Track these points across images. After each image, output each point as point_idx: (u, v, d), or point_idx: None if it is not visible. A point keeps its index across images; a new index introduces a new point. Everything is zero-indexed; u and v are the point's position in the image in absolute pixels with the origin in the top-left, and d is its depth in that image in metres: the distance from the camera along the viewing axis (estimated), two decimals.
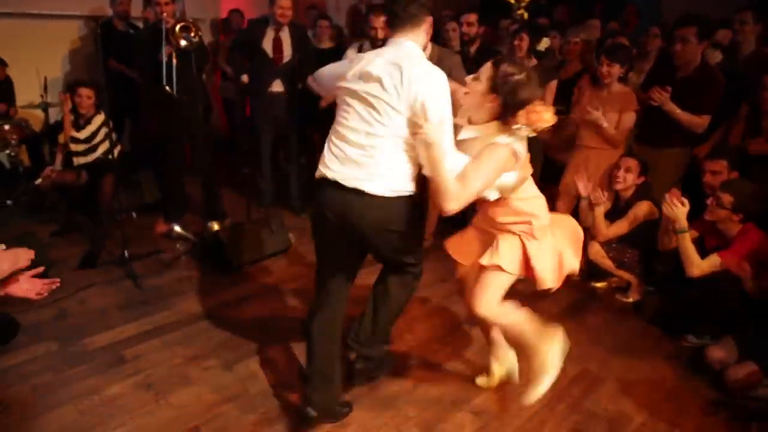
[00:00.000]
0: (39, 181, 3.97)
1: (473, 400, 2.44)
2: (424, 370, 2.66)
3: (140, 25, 5.02)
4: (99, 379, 2.51)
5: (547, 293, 2.11)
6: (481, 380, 2.50)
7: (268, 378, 2.56)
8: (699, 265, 2.80)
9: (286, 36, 4.17)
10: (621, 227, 3.33)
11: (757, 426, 2.23)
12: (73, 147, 4.03)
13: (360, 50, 3.72)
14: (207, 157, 4.16)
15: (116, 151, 3.80)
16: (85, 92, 3.92)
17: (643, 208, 3.29)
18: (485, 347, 2.58)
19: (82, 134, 4.01)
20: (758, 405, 2.40)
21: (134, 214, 4.48)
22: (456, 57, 3.25)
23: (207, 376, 2.56)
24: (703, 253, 2.86)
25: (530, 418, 2.34)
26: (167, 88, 3.68)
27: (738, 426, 2.33)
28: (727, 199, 2.75)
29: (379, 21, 3.48)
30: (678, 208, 2.77)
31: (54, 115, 5.00)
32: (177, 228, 4.08)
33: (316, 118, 4.75)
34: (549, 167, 3.74)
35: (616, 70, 3.34)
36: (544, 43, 3.92)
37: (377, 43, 3.45)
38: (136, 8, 4.97)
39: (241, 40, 4.21)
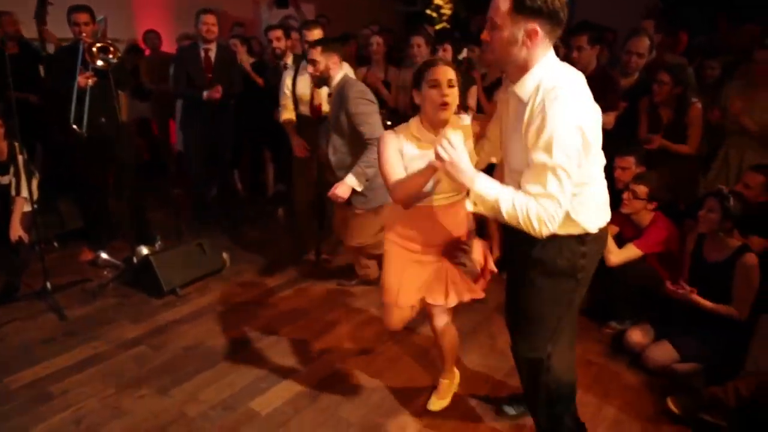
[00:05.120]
0: None
1: (413, 402, 2.50)
2: (363, 377, 2.69)
3: (34, 44, 4.80)
4: (23, 418, 2.37)
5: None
6: (435, 403, 2.46)
7: (207, 399, 2.51)
8: (617, 254, 3.01)
9: (213, 54, 4.20)
10: None
11: (672, 399, 2.40)
12: None
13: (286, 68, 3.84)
14: (130, 179, 4.04)
15: (35, 181, 3.60)
16: None
17: None
18: (425, 354, 2.63)
19: None
20: (673, 380, 2.60)
21: (56, 243, 4.27)
22: None
23: (141, 404, 2.48)
24: (621, 244, 3.07)
25: (469, 414, 2.42)
26: (75, 127, 3.59)
27: (657, 400, 2.50)
28: (642, 190, 2.99)
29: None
30: None
31: None
32: (103, 255, 3.92)
33: (267, 134, 4.76)
34: None
35: None
36: (461, 54, 4.12)
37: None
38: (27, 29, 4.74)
39: (177, 70, 4.26)
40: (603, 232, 1.84)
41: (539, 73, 1.62)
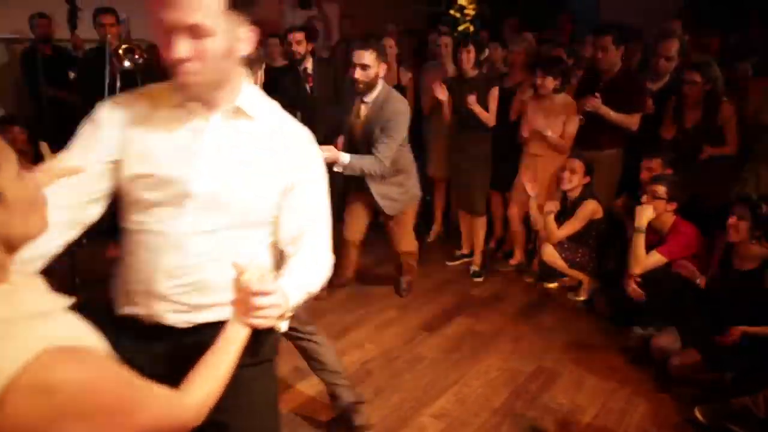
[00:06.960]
0: None
1: (433, 404, 2.49)
2: (383, 378, 2.69)
3: (67, 47, 4.90)
4: None
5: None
6: None
7: None
8: (643, 264, 2.97)
9: None
10: (572, 226, 3.47)
11: (699, 408, 2.35)
12: None
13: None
14: None
15: None
16: (16, 129, 3.72)
17: (589, 207, 3.44)
18: (445, 355, 2.61)
19: None
20: (700, 389, 2.54)
21: (84, 240, 4.35)
22: None
23: None
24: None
25: (489, 418, 2.40)
26: None
27: (682, 409, 2.45)
28: (660, 189, 2.94)
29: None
30: (647, 208, 2.97)
31: None
32: None
33: None
34: (497, 175, 3.86)
35: (549, 82, 3.51)
36: (483, 54, 4.09)
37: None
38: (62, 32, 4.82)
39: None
40: None
41: (251, 87, 1.22)
